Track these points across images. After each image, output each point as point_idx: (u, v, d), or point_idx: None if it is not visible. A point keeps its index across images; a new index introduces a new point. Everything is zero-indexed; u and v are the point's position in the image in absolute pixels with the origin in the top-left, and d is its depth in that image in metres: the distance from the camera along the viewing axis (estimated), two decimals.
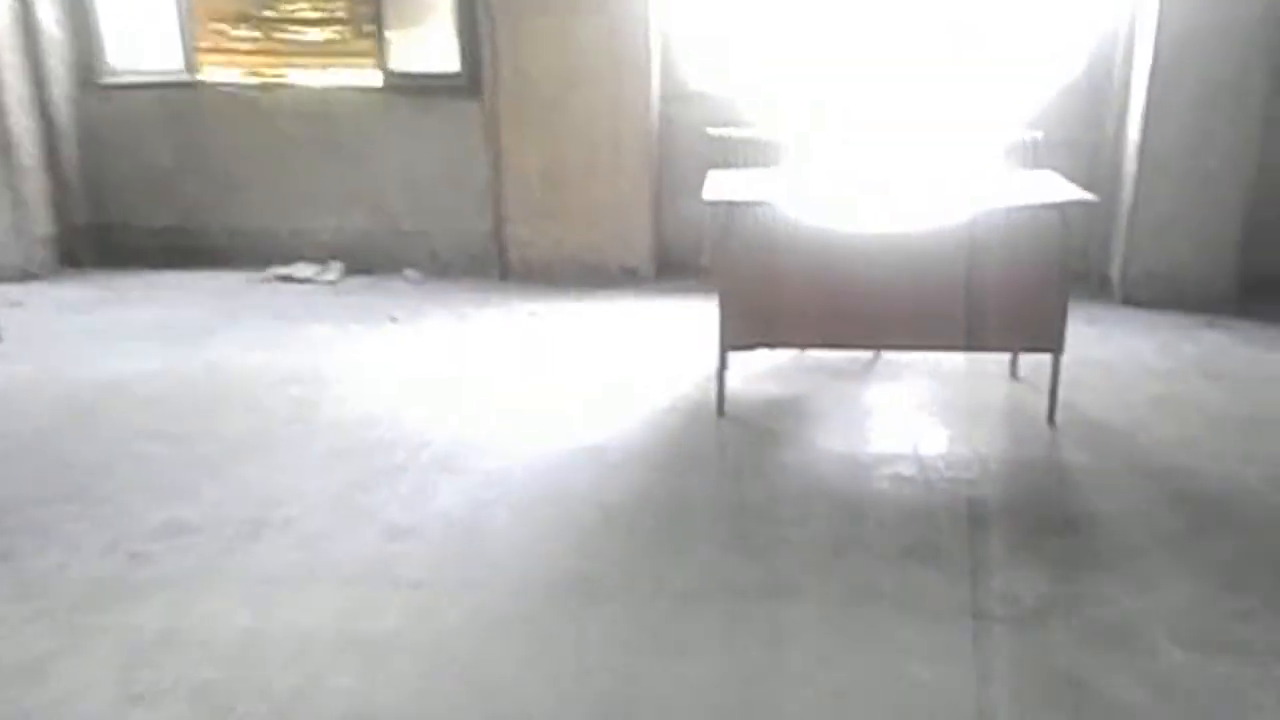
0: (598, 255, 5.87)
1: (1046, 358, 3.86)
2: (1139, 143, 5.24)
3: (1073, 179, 4.06)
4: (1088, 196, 3.73)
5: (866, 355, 4.48)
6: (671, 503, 3.29)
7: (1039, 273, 3.75)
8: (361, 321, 5.15)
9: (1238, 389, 4.24)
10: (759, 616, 2.66)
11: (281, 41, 6.28)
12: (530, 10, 5.56)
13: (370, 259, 6.08)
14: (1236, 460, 3.57)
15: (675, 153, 5.86)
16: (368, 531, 3.10)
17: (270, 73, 6.21)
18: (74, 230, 6.13)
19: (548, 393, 4.23)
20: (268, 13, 6.11)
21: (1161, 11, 5.01)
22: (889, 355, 4.45)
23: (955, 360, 4.39)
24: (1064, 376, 3.87)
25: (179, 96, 6.11)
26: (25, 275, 5.85)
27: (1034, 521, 3.16)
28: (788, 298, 3.82)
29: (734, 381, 4.07)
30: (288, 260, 6.07)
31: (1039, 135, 5.47)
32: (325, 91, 6.15)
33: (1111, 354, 4.62)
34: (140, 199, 6.23)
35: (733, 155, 5.58)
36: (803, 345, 4.00)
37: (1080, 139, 5.54)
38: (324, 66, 6.22)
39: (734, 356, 4.02)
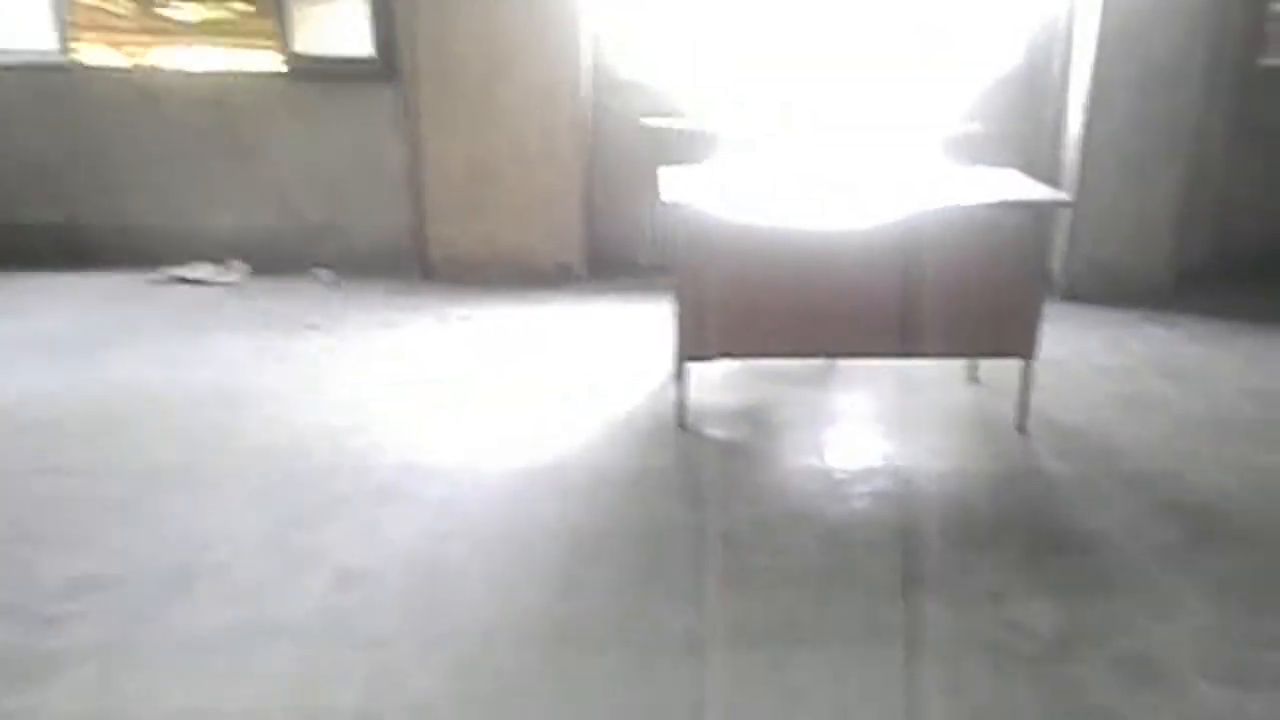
0: (528, 253, 5.55)
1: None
2: (1081, 132, 5.19)
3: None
4: (1062, 196, 3.60)
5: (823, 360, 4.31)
6: (649, 531, 3.03)
7: (1011, 275, 3.61)
8: (277, 329, 4.72)
9: (1195, 388, 4.21)
10: (777, 665, 2.43)
11: (169, 20, 5.76)
12: None
13: (276, 258, 5.62)
14: (1213, 465, 3.51)
15: (608, 144, 5.58)
16: (315, 578, 2.75)
17: (157, 55, 5.68)
18: None
19: (494, 406, 3.91)
20: None
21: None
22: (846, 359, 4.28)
23: (913, 363, 4.23)
24: (1015, 376, 3.75)
25: (53, 80, 5.53)
26: None
27: (1029, 540, 3.01)
28: (748, 306, 3.58)
29: (690, 390, 3.83)
30: (185, 260, 5.57)
31: (978, 128, 5.39)
32: (222, 76, 5.66)
33: (1061, 352, 4.54)
34: (18, 194, 5.62)
35: (668, 147, 5.35)
36: (765, 355, 3.78)
37: (1018, 130, 5.48)
38: (219, 49, 5.72)
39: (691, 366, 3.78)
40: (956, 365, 4.22)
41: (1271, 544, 3.01)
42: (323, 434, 3.62)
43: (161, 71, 5.68)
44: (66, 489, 3.21)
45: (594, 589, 2.73)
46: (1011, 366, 3.74)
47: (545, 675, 2.39)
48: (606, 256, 5.66)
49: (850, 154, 5.18)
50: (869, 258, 3.53)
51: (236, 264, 5.59)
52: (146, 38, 5.83)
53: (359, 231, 5.69)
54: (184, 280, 5.43)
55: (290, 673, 2.38)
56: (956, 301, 3.59)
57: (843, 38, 5.42)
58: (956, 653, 2.47)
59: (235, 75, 5.66)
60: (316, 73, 5.55)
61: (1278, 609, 2.66)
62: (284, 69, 5.57)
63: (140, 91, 5.55)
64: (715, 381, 4.10)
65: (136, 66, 5.71)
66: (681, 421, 3.75)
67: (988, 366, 4.14)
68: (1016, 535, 3.04)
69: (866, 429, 3.83)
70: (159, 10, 5.81)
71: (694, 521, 3.09)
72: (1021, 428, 3.76)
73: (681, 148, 5.32)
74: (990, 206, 3.59)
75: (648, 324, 4.80)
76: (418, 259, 5.59)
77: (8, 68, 5.50)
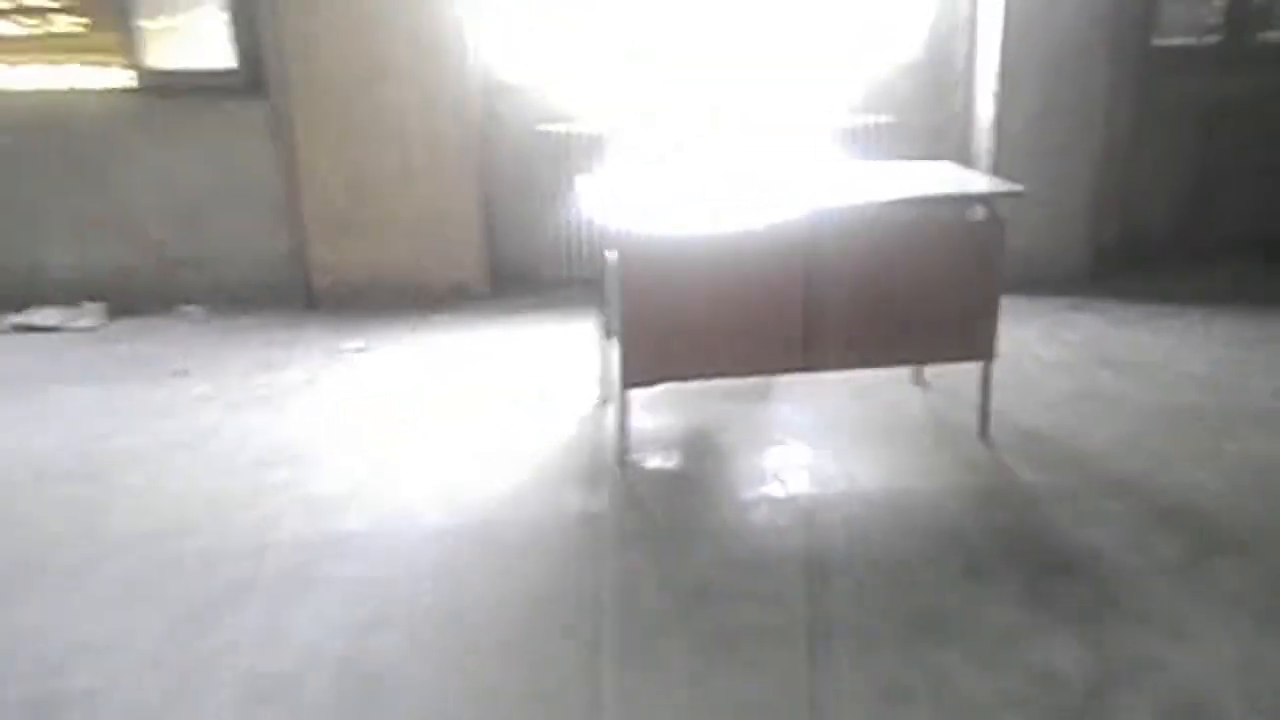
0: (421, 274, 5.07)
1: None
2: (992, 120, 5.04)
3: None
4: (1015, 187, 3.36)
5: None
6: (608, 594, 2.63)
7: (966, 273, 3.35)
8: (141, 379, 4.13)
9: (1140, 377, 4.05)
10: None
11: None
12: None
13: (136, 298, 5.00)
14: (1185, 462, 3.31)
15: (502, 153, 5.15)
16: (219, 695, 2.25)
17: None
18: None
19: (405, 454, 3.44)
20: None
21: None
22: None
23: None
24: (963, 376, 3.53)
25: None
26: None
27: (1027, 563, 2.74)
28: (697, 325, 3.22)
29: (630, 417, 3.45)
30: (27, 305, 4.89)
31: (888, 120, 5.19)
32: (60, 95, 5.00)
33: (1001, 347, 4.33)
34: None
35: (565, 153, 4.98)
36: (714, 376, 3.42)
37: (927, 122, 5.30)
38: (57, 66, 5.06)
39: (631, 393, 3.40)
40: (900, 369, 3.96)
41: (1273, 549, 2.81)
42: (206, 505, 3.09)
43: None
44: None
45: (558, 676, 2.32)
46: (956, 366, 3.51)
47: None
48: (508, 272, 5.22)
49: (755, 153, 4.89)
50: (811, 265, 3.20)
51: (89, 306, 4.93)
52: None
53: (230, 261, 5.10)
54: (28, 328, 4.76)
55: None
56: (915, 305, 3.32)
57: (738, 34, 5.14)
58: (994, 712, 2.16)
59: (77, 93, 5.01)
60: (172, 88, 4.94)
61: None
62: (134, 85, 4.95)
63: None
64: (651, 402, 3.73)
65: None
66: (622, 455, 3.36)
67: (932, 369, 3.90)
68: (1013, 560, 2.76)
69: (823, 446, 3.50)
70: None
71: (658, 575, 2.71)
72: (984, 435, 3.51)
73: (578, 154, 4.95)
74: (939, 201, 3.34)
75: (560, 345, 4.40)
76: (300, 288, 5.04)
77: None
